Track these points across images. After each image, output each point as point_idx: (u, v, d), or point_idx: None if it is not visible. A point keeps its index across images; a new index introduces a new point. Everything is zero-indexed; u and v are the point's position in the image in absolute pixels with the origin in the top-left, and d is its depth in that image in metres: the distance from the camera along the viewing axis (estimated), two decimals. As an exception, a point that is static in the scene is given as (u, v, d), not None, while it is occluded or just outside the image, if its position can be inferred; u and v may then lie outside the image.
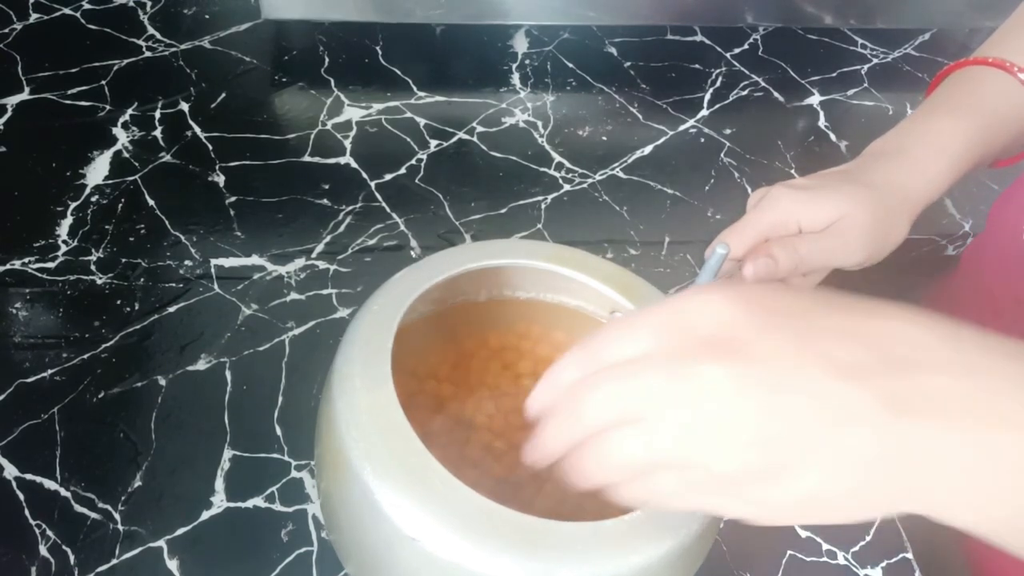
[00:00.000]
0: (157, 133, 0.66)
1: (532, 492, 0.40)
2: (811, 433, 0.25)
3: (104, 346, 0.52)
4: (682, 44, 0.82)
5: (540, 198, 0.65)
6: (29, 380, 0.50)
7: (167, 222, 0.59)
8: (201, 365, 0.52)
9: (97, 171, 0.62)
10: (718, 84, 0.78)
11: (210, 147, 0.65)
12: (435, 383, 0.44)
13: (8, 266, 0.55)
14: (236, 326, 0.54)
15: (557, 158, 0.68)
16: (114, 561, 0.43)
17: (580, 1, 0.75)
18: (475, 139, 0.69)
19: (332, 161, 0.66)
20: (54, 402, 0.49)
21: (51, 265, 0.56)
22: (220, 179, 0.63)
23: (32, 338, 0.52)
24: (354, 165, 0.65)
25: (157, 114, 0.67)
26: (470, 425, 0.43)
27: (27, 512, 0.44)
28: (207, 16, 0.77)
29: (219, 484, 0.46)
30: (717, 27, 0.83)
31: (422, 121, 0.70)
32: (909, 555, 0.48)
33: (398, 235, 0.61)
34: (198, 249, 0.58)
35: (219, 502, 0.46)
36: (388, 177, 0.65)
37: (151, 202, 0.61)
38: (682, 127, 0.73)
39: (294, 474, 0.47)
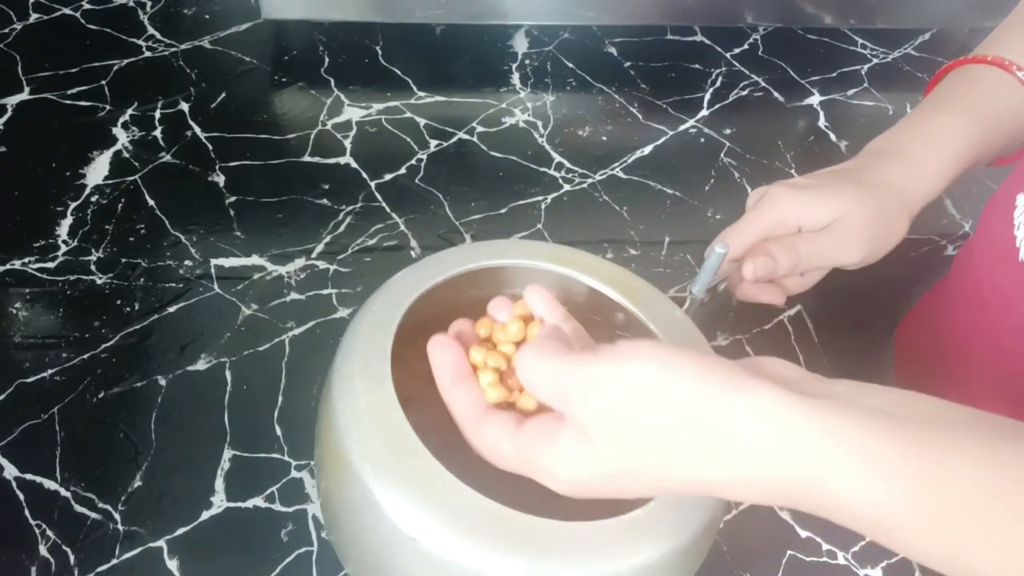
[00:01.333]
0: (157, 133, 0.66)
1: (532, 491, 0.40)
2: None
3: (104, 346, 0.52)
4: (682, 44, 0.82)
5: (540, 198, 0.65)
6: (29, 380, 0.50)
7: (167, 222, 0.59)
8: (201, 365, 0.52)
9: (97, 171, 0.62)
10: (718, 84, 0.78)
11: (210, 147, 0.65)
12: (435, 382, 0.44)
13: (8, 266, 0.55)
14: (236, 326, 0.54)
15: (557, 158, 0.68)
16: (114, 561, 0.43)
17: (580, 1, 0.75)
18: (475, 139, 0.69)
19: (332, 161, 0.66)
20: (54, 402, 0.49)
21: (51, 265, 0.56)
22: (220, 179, 0.63)
23: (32, 338, 0.52)
24: (354, 165, 0.65)
25: (157, 114, 0.67)
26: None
27: (27, 512, 0.44)
28: (207, 16, 0.77)
29: (219, 484, 0.46)
30: (717, 27, 0.83)
31: (422, 121, 0.70)
32: (909, 555, 0.48)
33: (398, 235, 0.61)
34: (198, 249, 0.58)
35: (219, 502, 0.46)
36: (388, 177, 0.65)
37: (151, 202, 0.61)
38: (682, 127, 0.73)
39: (294, 474, 0.47)
